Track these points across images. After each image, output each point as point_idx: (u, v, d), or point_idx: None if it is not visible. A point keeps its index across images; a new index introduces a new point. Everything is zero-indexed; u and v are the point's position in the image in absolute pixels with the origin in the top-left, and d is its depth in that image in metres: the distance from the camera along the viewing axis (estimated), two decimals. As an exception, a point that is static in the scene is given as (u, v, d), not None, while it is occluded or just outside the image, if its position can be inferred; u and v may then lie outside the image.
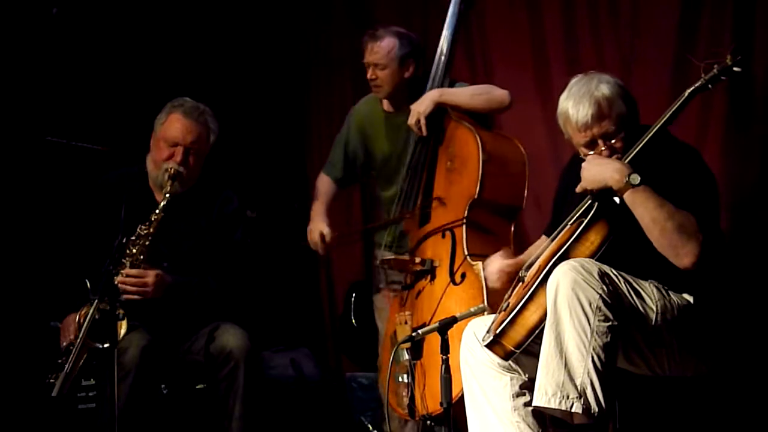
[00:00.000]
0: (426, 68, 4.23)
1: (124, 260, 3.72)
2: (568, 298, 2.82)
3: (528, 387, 3.05)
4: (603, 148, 3.06)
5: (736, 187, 4.03)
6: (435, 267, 3.95)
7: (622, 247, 2.97)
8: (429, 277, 3.97)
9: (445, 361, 3.07)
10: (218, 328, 3.81)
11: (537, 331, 2.93)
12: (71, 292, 3.78)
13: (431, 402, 3.72)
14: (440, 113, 4.08)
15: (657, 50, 4.33)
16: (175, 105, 3.93)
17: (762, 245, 4.00)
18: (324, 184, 4.47)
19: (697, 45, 4.18)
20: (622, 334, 2.86)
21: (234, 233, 3.97)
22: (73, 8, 4.68)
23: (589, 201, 3.03)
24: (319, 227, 4.28)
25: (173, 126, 3.87)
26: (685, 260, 2.91)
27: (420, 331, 3.31)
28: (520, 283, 3.14)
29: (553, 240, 3.13)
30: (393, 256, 4.13)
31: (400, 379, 3.90)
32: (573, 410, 2.78)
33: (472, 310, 3.26)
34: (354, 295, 4.66)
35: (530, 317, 2.95)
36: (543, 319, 2.91)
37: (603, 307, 2.81)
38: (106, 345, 3.51)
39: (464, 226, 3.88)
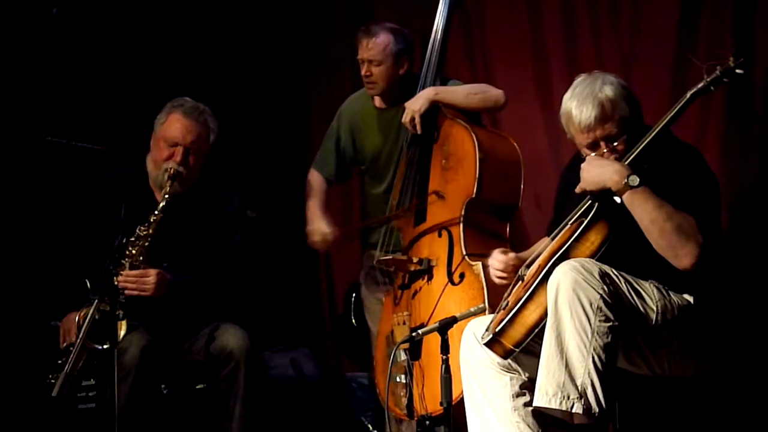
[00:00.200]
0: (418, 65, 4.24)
1: (123, 261, 3.72)
2: (569, 299, 2.82)
3: (528, 387, 3.05)
4: (605, 150, 3.06)
5: (736, 187, 4.03)
6: (432, 266, 3.95)
7: (623, 247, 2.97)
8: (426, 277, 3.96)
9: (445, 361, 3.07)
10: (218, 328, 3.81)
11: (536, 330, 2.93)
12: (71, 292, 3.78)
13: (431, 402, 3.72)
14: (434, 111, 4.08)
15: (657, 50, 4.33)
16: (175, 105, 3.93)
17: (762, 245, 4.00)
18: (316, 181, 4.45)
19: (697, 45, 4.19)
20: (622, 334, 2.86)
21: (234, 233, 3.97)
22: (73, 8, 4.68)
23: (590, 201, 3.03)
24: (319, 228, 4.27)
25: (173, 126, 3.87)
26: (684, 261, 2.91)
27: (420, 332, 3.31)
28: (520, 282, 3.14)
29: (553, 239, 3.14)
30: (390, 256, 4.11)
31: (398, 380, 3.89)
32: (573, 410, 2.78)
33: (471, 310, 3.26)
34: (354, 295, 4.65)
35: (530, 316, 2.95)
36: (542, 318, 2.91)
37: (604, 308, 2.81)
38: (105, 345, 3.51)
39: (461, 226, 3.87)
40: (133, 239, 3.73)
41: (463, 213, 3.88)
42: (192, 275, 3.86)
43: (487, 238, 3.89)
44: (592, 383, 2.78)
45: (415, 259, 3.98)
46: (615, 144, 3.06)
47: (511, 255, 3.27)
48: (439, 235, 3.96)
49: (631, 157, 3.00)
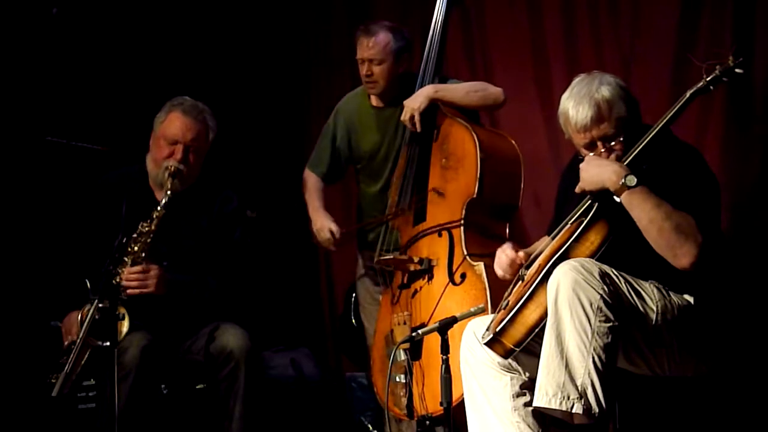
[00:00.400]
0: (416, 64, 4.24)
1: (125, 258, 3.72)
2: (569, 299, 2.82)
3: (528, 387, 3.05)
4: (602, 150, 3.06)
5: (736, 187, 4.03)
6: (432, 266, 3.95)
7: (623, 247, 2.97)
8: (426, 277, 3.96)
9: (445, 361, 3.07)
10: (218, 328, 3.81)
11: (537, 330, 2.93)
12: (72, 292, 3.78)
13: (431, 402, 3.72)
14: (433, 109, 4.07)
15: (657, 50, 4.34)
16: (175, 104, 3.93)
17: (762, 245, 4.00)
18: (312, 181, 4.45)
19: (697, 45, 4.19)
20: (622, 334, 2.86)
21: (234, 233, 3.97)
22: (73, 8, 4.68)
23: (589, 201, 3.03)
24: (326, 225, 4.25)
25: (173, 124, 3.87)
26: (683, 261, 2.90)
27: (420, 332, 3.31)
28: (520, 282, 3.14)
29: (553, 239, 3.13)
30: (390, 256, 4.11)
31: (397, 380, 3.89)
32: (574, 411, 2.78)
33: (472, 310, 3.25)
34: (354, 295, 4.65)
35: (530, 316, 2.95)
36: (543, 317, 2.91)
37: (604, 308, 2.81)
38: (106, 344, 3.51)
39: (462, 226, 3.87)
40: (135, 236, 3.73)
41: (463, 213, 3.88)
42: (192, 274, 3.86)
43: (487, 238, 3.89)
44: (592, 383, 2.78)
45: (415, 259, 3.97)
46: (612, 144, 3.05)
47: (521, 254, 3.25)
48: (439, 235, 3.95)
49: (631, 157, 3.00)
